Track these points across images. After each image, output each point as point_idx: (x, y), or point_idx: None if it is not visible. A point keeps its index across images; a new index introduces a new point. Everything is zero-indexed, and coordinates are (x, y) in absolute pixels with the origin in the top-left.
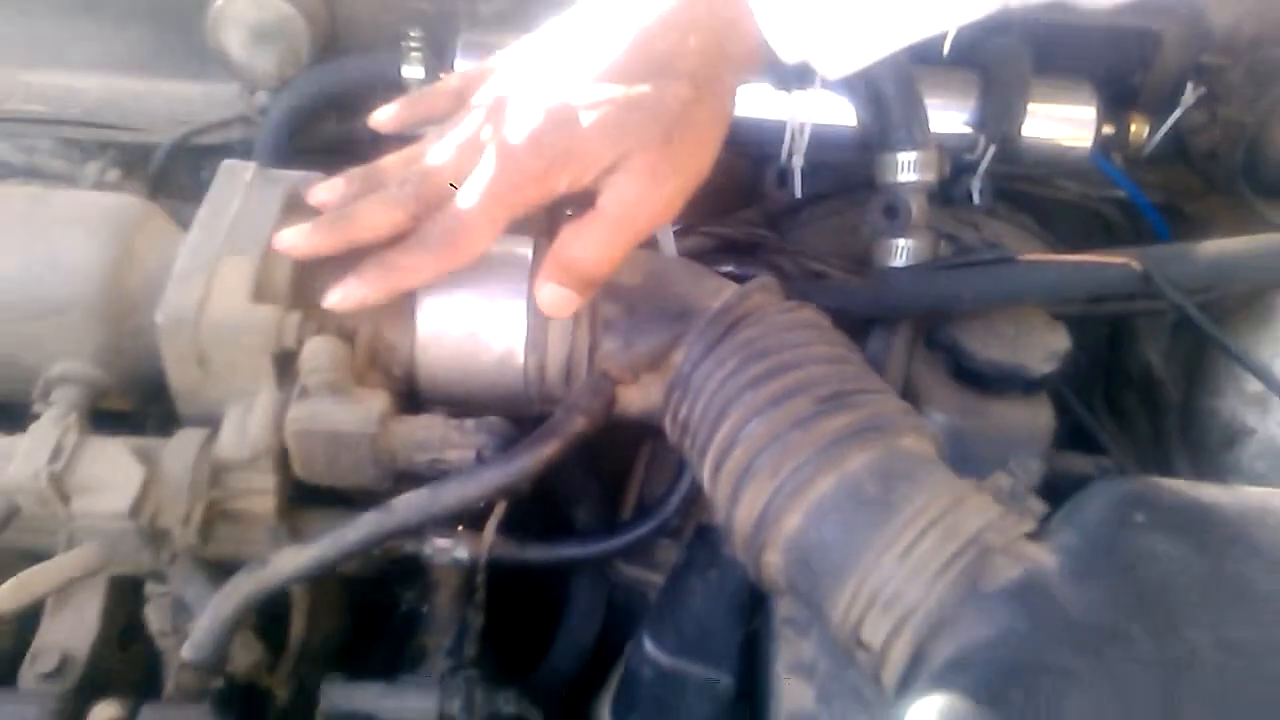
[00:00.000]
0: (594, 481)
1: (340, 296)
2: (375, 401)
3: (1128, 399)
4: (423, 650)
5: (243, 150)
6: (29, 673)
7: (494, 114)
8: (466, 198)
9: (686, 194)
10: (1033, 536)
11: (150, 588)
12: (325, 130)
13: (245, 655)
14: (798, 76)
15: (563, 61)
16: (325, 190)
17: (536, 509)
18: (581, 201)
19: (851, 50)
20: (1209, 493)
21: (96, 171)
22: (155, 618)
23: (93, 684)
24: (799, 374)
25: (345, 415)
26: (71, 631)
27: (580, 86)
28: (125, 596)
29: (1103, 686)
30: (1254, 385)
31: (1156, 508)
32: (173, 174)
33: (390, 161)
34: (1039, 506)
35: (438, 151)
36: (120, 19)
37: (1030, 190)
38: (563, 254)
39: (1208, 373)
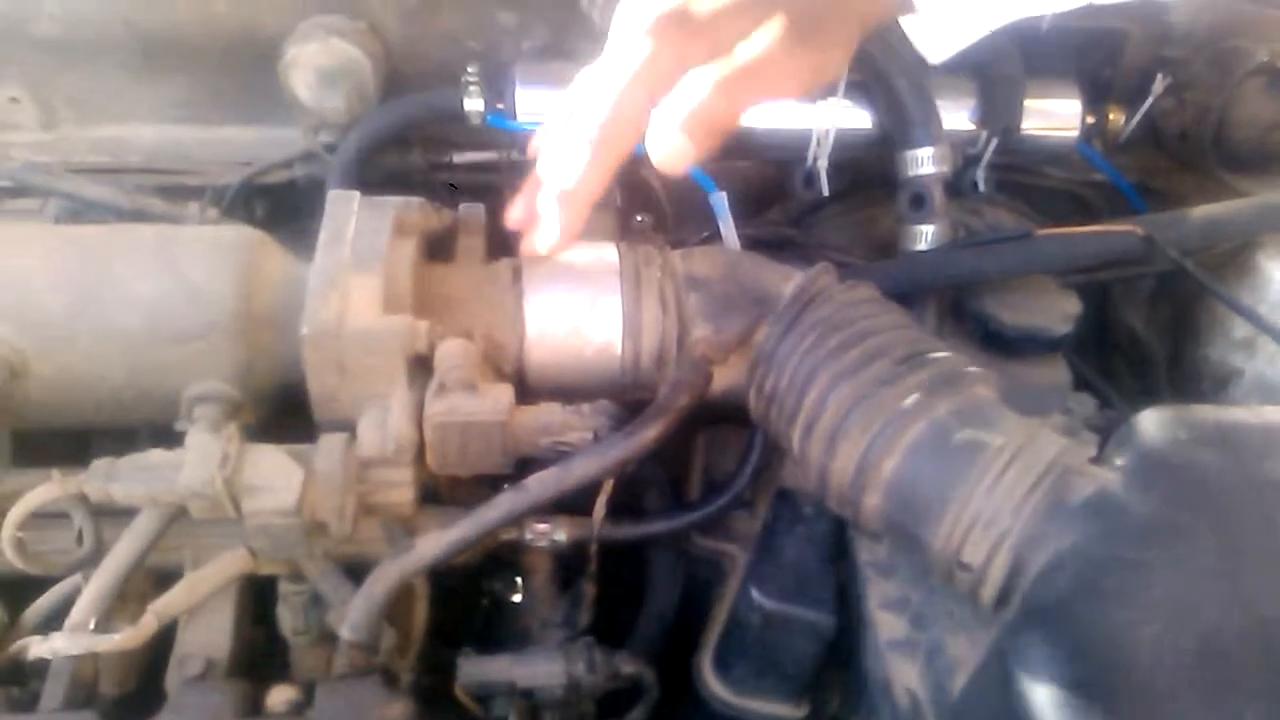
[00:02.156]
0: (660, 469)
1: (542, 242)
2: (503, 394)
3: (1115, 362)
4: (525, 631)
5: (304, 188)
6: (176, 676)
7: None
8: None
9: (810, 79)
10: (1095, 460)
11: (284, 587)
12: (386, 163)
13: (383, 641)
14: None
15: None
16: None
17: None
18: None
19: (954, 31)
20: (1234, 413)
21: (198, 211)
22: (289, 616)
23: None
24: (875, 341)
25: (479, 406)
26: (209, 637)
27: None
28: (251, 602)
29: (1176, 571)
30: (1239, 331)
31: (1196, 427)
32: (230, 214)
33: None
34: (1092, 438)
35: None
36: (175, 71)
37: (1019, 179)
38: (687, 101)
39: (1194, 327)
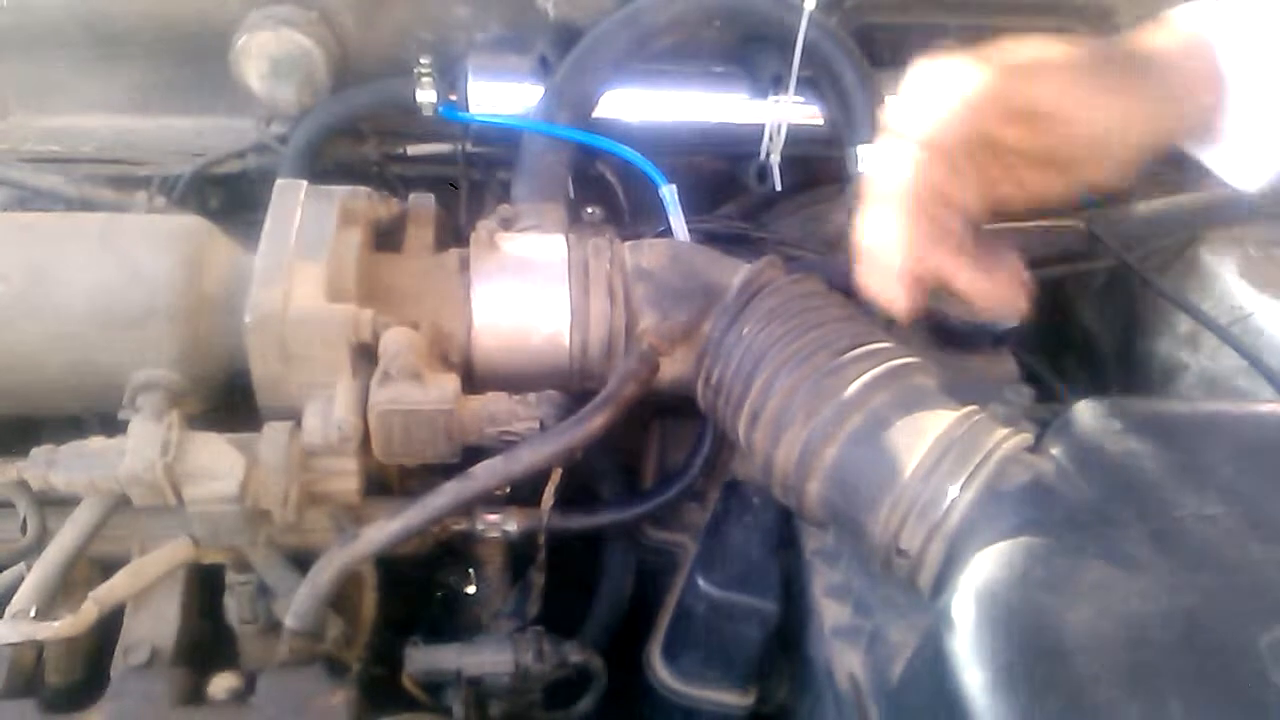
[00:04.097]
0: (612, 460)
1: None
2: (448, 383)
3: (1067, 360)
4: (476, 621)
5: (256, 178)
6: (121, 664)
7: None
8: None
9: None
10: (1032, 449)
11: (231, 577)
12: (339, 154)
13: (329, 630)
14: (773, 83)
15: None
16: None
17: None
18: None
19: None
20: (1167, 405)
21: (145, 200)
22: (236, 606)
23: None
24: (819, 332)
25: (425, 395)
26: (154, 626)
27: None
28: (199, 592)
29: (1108, 558)
30: (1184, 327)
31: (1130, 418)
32: (182, 204)
33: None
34: (1030, 427)
35: None
36: (126, 61)
37: None
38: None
39: (1141, 322)
